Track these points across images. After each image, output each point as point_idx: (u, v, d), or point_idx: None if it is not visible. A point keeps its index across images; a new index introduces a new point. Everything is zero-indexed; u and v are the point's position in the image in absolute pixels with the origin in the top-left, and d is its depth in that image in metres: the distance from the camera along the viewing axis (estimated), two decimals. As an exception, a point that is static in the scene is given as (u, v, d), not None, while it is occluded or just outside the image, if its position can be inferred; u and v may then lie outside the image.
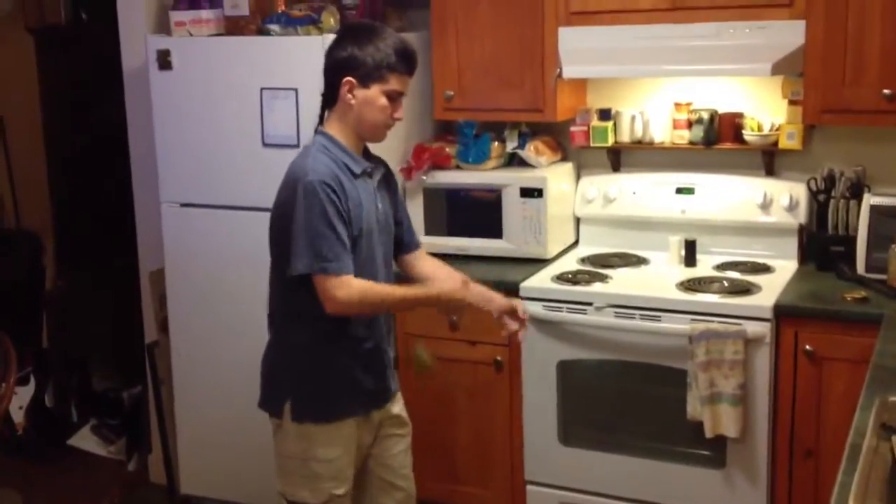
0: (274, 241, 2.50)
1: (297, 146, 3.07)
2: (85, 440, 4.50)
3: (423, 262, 2.76)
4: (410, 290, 2.57)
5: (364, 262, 2.47)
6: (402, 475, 2.73)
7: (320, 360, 2.50)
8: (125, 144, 3.87)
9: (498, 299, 2.65)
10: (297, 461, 2.53)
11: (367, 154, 2.57)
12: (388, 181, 2.64)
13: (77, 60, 4.66)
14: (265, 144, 3.31)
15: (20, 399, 4.49)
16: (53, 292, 4.92)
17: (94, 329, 4.57)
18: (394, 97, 2.46)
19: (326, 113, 2.52)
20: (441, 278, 2.67)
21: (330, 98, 2.49)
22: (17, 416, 4.47)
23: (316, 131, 2.52)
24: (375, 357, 2.57)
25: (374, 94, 2.44)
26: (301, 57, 3.19)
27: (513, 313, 2.64)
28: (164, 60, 3.43)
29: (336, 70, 2.45)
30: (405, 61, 2.46)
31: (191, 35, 3.45)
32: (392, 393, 2.67)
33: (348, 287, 2.37)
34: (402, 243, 2.72)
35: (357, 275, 2.43)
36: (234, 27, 3.46)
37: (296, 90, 3.22)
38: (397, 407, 2.70)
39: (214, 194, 3.46)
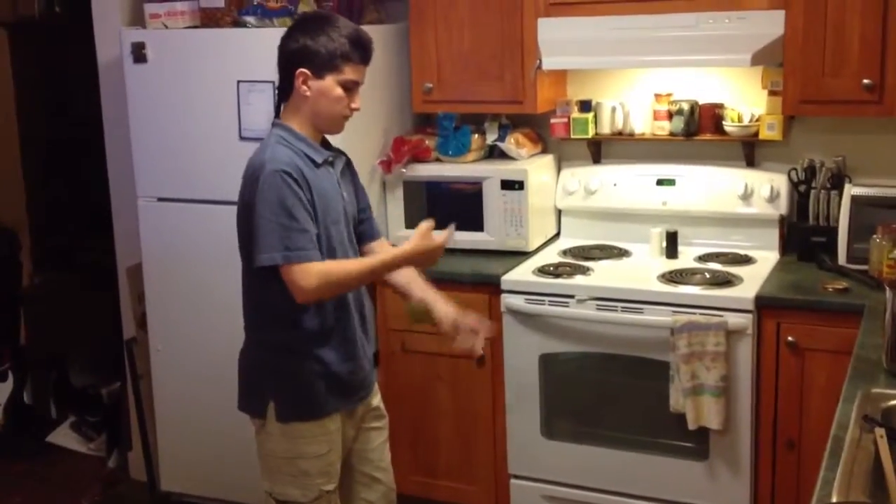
0: (241, 240, 2.47)
1: (267, 140, 3.03)
2: (64, 437, 4.48)
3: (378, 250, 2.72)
4: (377, 258, 2.51)
5: (334, 252, 2.45)
6: (382, 468, 2.71)
7: (300, 358, 2.46)
8: (101, 138, 3.83)
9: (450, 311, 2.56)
10: (283, 460, 2.50)
11: (325, 144, 2.54)
12: (349, 171, 2.61)
13: (51, 54, 4.60)
14: (242, 138, 3.27)
15: (-2, 396, 4.46)
16: (30, 288, 4.87)
17: (71, 325, 4.53)
18: (349, 87, 2.43)
19: (283, 106, 2.49)
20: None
21: (285, 90, 2.46)
22: (-5, 414, 4.45)
23: (273, 124, 2.49)
24: (353, 349, 2.54)
25: (329, 85, 2.40)
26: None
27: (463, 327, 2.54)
28: (138, 53, 3.39)
29: (289, 62, 2.42)
30: (359, 50, 2.42)
31: (166, 27, 3.41)
32: (373, 384, 2.65)
33: (309, 273, 2.33)
34: (364, 233, 2.68)
35: None
36: (209, 19, 3.42)
37: (273, 83, 3.12)
38: (376, 399, 2.69)
39: (191, 189, 3.42)
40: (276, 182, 2.32)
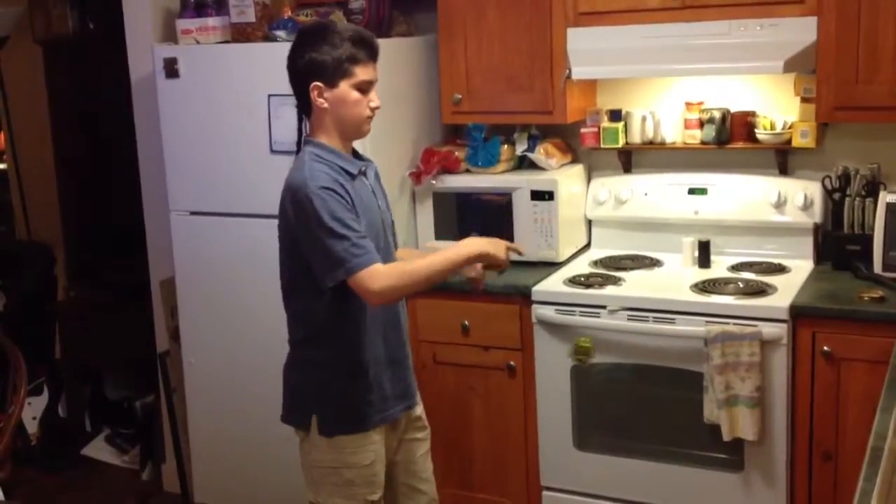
0: (288, 261, 2.47)
1: (300, 159, 3.05)
2: (99, 450, 4.51)
3: (402, 255, 2.73)
4: (444, 253, 2.46)
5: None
6: (425, 479, 2.71)
7: (345, 375, 2.47)
8: (134, 153, 3.87)
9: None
10: (327, 470, 2.50)
11: (355, 154, 2.54)
12: (379, 179, 2.61)
13: (85, 70, 4.66)
14: (273, 151, 3.29)
15: (34, 410, 4.50)
16: (65, 303, 4.92)
17: (106, 339, 4.57)
18: (364, 88, 2.42)
19: (306, 122, 2.50)
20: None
21: (305, 107, 2.46)
22: (31, 427, 4.49)
23: (304, 142, 2.48)
24: (398, 361, 2.55)
25: (345, 91, 2.39)
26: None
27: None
28: (170, 69, 3.42)
29: (301, 79, 2.42)
30: (364, 49, 2.40)
31: (197, 43, 3.44)
32: (415, 394, 2.66)
33: (378, 275, 2.32)
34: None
35: None
36: (240, 34, 3.45)
37: (303, 96, 3.20)
38: (419, 409, 2.69)
39: (223, 202, 3.45)
40: (323, 197, 2.31)
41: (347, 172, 2.42)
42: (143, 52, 3.64)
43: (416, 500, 2.69)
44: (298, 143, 2.48)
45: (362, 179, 2.48)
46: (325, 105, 2.40)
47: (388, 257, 2.49)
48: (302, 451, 2.55)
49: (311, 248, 2.35)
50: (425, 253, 2.73)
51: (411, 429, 2.65)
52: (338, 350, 2.45)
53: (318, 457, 2.50)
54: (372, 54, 2.43)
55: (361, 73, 2.40)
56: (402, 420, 2.61)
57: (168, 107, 3.48)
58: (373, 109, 2.45)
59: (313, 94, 2.40)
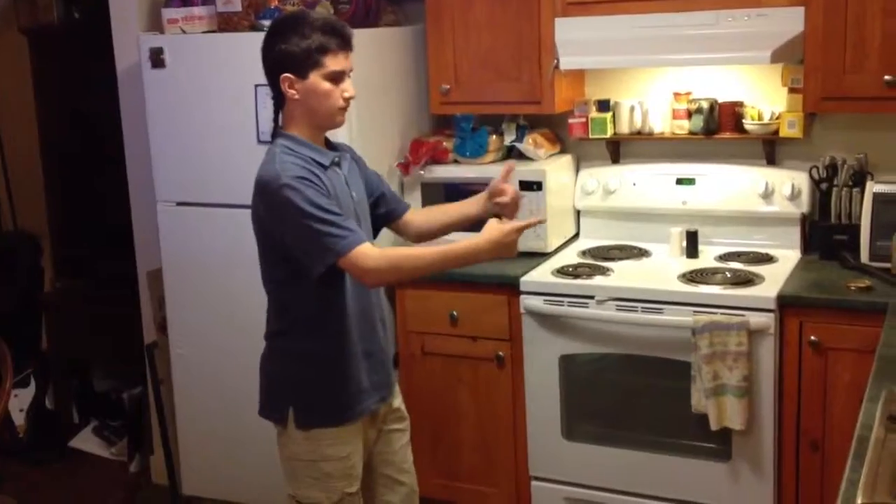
0: (263, 255, 2.46)
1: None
2: (87, 442, 4.50)
3: (419, 215, 2.73)
4: (451, 246, 2.43)
5: None
6: (404, 470, 2.71)
7: (320, 365, 2.46)
8: (121, 143, 3.85)
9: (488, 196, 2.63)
10: (305, 463, 2.49)
11: (329, 144, 2.52)
12: (354, 167, 2.58)
13: (71, 60, 4.63)
14: (260, 141, 3.26)
15: (21, 401, 4.48)
16: (52, 294, 4.90)
17: (93, 330, 4.55)
18: (335, 78, 2.38)
19: (281, 114, 2.47)
20: (454, 214, 2.69)
21: (279, 99, 2.43)
22: (18, 419, 4.46)
23: (275, 134, 2.46)
24: (373, 353, 2.54)
25: (315, 82, 2.36)
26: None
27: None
28: (157, 58, 3.40)
29: (272, 71, 2.39)
30: (335, 38, 2.37)
31: (184, 32, 3.42)
32: (393, 385, 2.65)
33: (370, 254, 2.32)
34: (394, 211, 2.69)
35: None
36: (226, 23, 3.43)
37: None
38: (397, 401, 2.68)
39: (210, 192, 3.43)
40: (297, 187, 2.29)
41: (319, 164, 2.40)
42: (128, 42, 3.61)
43: (395, 491, 2.69)
44: (274, 134, 2.45)
45: (335, 170, 2.46)
46: (297, 97, 2.38)
47: None
48: (279, 444, 2.54)
49: (296, 239, 2.33)
50: (447, 208, 2.74)
51: (390, 420, 2.65)
52: (312, 343, 2.45)
53: (295, 450, 2.50)
54: (343, 43, 2.39)
55: (332, 63, 2.37)
56: (380, 412, 2.60)
57: (154, 97, 3.46)
58: (346, 100, 2.42)
59: (284, 86, 2.37)
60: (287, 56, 2.35)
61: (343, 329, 2.46)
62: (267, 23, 3.28)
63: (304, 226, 2.29)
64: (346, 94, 2.41)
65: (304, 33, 2.34)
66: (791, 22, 3.01)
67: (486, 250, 2.41)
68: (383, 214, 2.68)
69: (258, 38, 3.23)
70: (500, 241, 2.40)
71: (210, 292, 3.50)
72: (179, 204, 3.51)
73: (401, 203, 2.73)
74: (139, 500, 4.03)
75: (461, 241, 2.45)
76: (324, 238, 2.29)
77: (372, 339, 2.53)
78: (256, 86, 3.24)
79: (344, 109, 2.44)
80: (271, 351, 2.54)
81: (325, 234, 2.29)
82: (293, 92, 2.38)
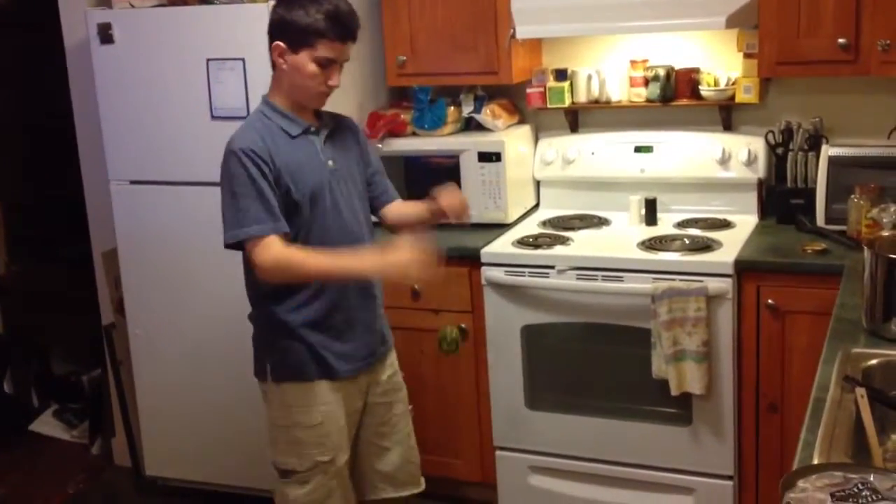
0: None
1: (247, 118, 3.00)
2: (47, 425, 4.45)
3: (394, 209, 2.72)
4: (338, 261, 2.40)
5: (327, 221, 2.44)
6: (397, 440, 2.73)
7: (285, 328, 2.49)
8: (72, 122, 3.77)
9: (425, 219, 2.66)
10: (281, 428, 2.55)
11: (318, 114, 2.52)
12: (345, 136, 2.58)
13: (19, 37, 4.52)
14: (214, 117, 3.22)
15: (-22, 387, 4.42)
16: (7, 277, 4.81)
17: (50, 313, 4.49)
18: (324, 64, 2.38)
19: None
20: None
21: (272, 62, 2.45)
22: (-24, 405, 4.41)
23: (262, 99, 2.50)
24: (346, 323, 2.53)
25: (303, 61, 2.37)
26: (247, 25, 3.10)
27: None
28: (105, 34, 3.32)
29: (270, 35, 2.42)
30: (336, 27, 2.36)
31: (132, 6, 3.35)
32: (376, 360, 2.64)
33: (267, 251, 2.34)
34: (376, 199, 2.69)
35: (321, 235, 2.42)
36: (177, -3, 3.36)
37: (243, 60, 3.14)
38: (386, 374, 2.69)
39: (164, 170, 3.37)
40: (240, 159, 2.33)
41: (286, 133, 2.41)
42: (76, 18, 3.52)
43: (385, 460, 2.72)
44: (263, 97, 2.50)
45: (308, 138, 2.45)
46: (284, 66, 2.40)
47: (339, 216, 2.47)
48: (266, 409, 2.60)
49: (223, 203, 2.39)
50: (413, 205, 2.72)
51: (377, 393, 2.67)
52: (279, 311, 2.48)
53: (273, 413, 2.57)
54: (343, 36, 2.39)
55: (324, 49, 2.36)
56: (361, 381, 2.61)
57: (104, 74, 3.38)
58: (329, 87, 2.43)
59: (274, 54, 2.40)
60: (285, 25, 2.37)
61: (309, 300, 2.47)
62: (218, -4, 3.23)
63: (231, 192, 2.35)
64: (330, 83, 2.42)
65: (309, 11, 2.35)
66: (745, -13, 3.01)
67: (376, 271, 2.46)
68: (368, 200, 2.68)
69: (210, 11, 3.23)
70: (395, 264, 2.35)
71: (166, 271, 3.45)
72: (133, 182, 3.45)
73: (385, 194, 2.72)
74: (102, 483, 3.99)
75: (355, 256, 2.43)
76: (239, 214, 2.33)
77: (348, 311, 2.53)
78: (209, 60, 3.19)
79: (324, 95, 2.45)
80: (252, 314, 2.59)
81: (243, 209, 2.33)
82: (281, 61, 2.40)
